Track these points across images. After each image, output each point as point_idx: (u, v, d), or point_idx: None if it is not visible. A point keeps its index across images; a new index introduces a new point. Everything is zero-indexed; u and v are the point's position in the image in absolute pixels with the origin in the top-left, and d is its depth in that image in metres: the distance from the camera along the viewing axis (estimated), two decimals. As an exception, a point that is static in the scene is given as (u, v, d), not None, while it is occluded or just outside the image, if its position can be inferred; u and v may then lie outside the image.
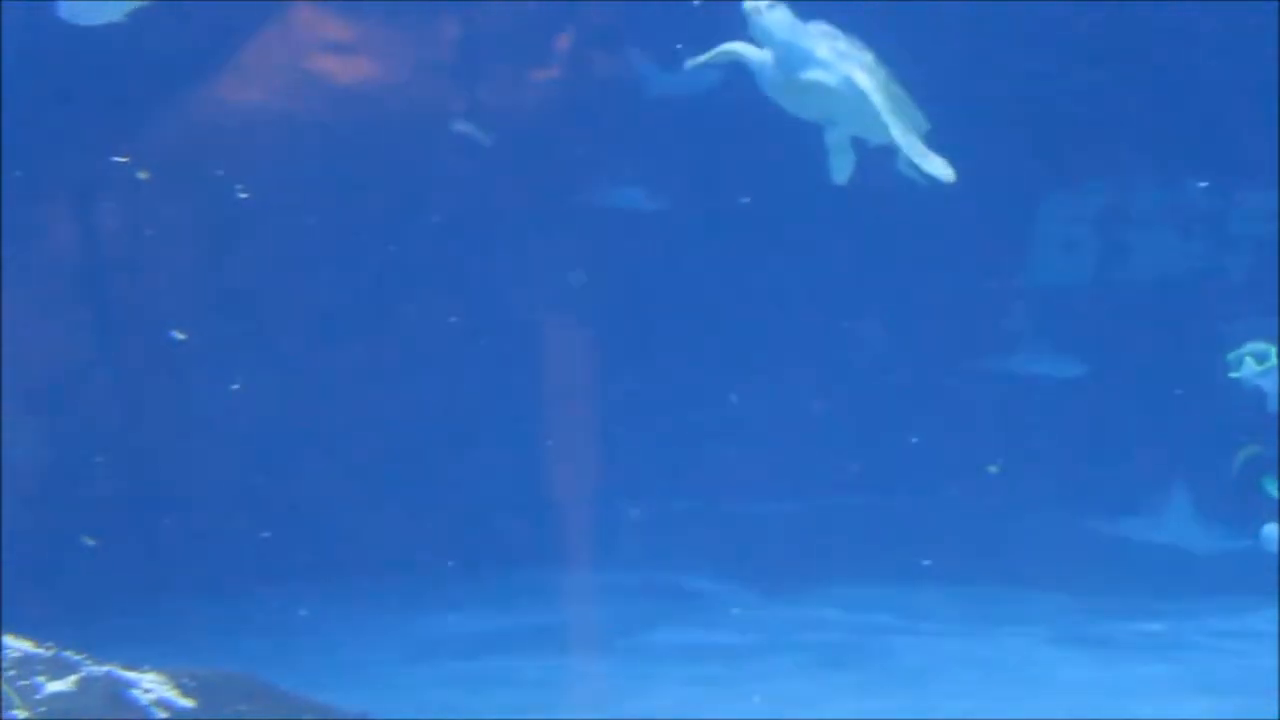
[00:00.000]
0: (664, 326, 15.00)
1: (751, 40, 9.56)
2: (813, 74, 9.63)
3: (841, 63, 9.70)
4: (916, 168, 9.96)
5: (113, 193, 14.11)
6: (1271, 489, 11.47)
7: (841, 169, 10.11)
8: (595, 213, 14.89)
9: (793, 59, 9.68)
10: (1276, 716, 11.29)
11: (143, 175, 13.44)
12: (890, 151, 9.80)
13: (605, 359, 14.69)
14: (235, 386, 13.71)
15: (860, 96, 9.70)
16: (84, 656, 7.21)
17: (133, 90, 13.78)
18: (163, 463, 13.99)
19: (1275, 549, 11.51)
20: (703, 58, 9.64)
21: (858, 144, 9.79)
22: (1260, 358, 11.37)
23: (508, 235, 14.83)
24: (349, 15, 14.48)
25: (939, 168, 9.79)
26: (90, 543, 12.77)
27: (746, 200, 14.40)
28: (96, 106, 13.56)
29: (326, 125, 14.38)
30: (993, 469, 14.16)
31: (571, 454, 14.51)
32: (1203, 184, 14.98)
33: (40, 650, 7.19)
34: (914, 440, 14.47)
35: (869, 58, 9.74)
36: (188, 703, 7.18)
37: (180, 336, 13.44)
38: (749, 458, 15.00)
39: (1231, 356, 11.42)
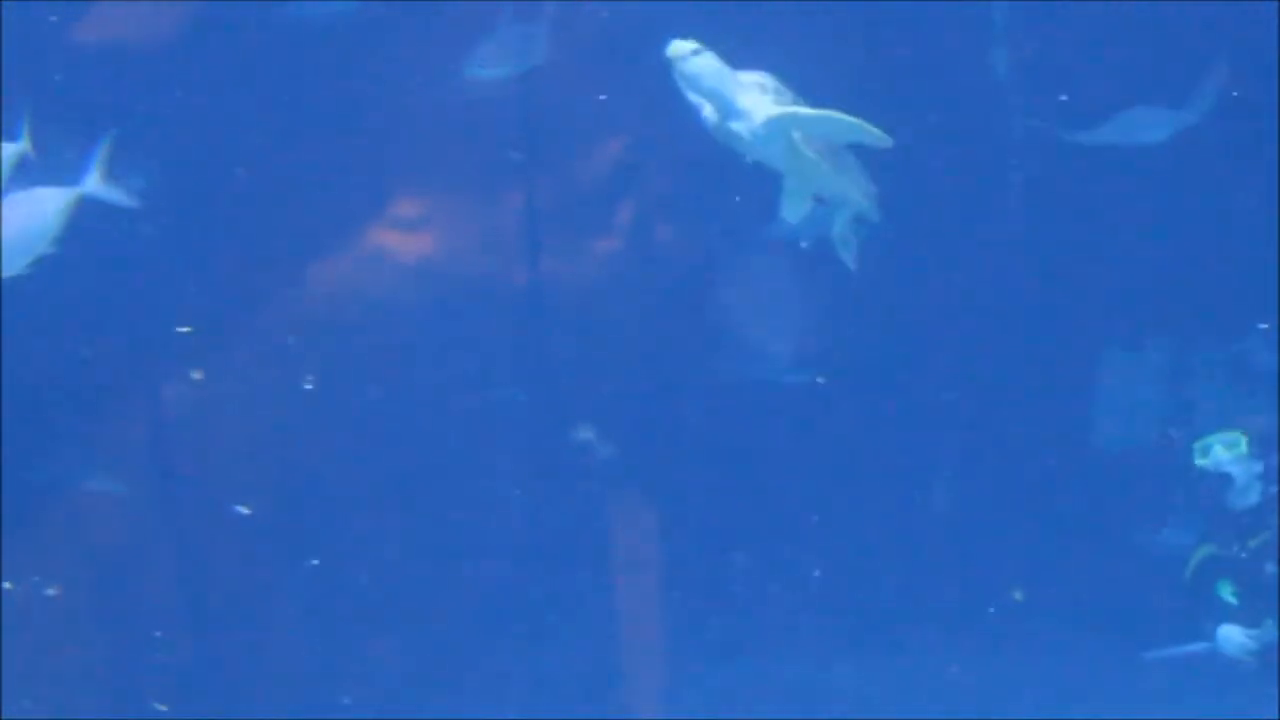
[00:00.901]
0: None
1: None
2: (735, 125, 9.43)
3: (760, 113, 9.44)
4: (848, 233, 9.95)
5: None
6: (1226, 594, 11.33)
7: (794, 210, 9.95)
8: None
9: (718, 107, 9.46)
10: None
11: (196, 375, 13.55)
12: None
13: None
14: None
15: (785, 149, 9.48)
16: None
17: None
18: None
19: (1232, 651, 11.35)
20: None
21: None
22: (1229, 445, 11.26)
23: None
24: (415, 192, 14.53)
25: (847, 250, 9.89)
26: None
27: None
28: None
29: (393, 301, 14.41)
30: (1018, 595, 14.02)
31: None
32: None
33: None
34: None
35: (805, 112, 9.50)
36: None
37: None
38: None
39: (1198, 444, 11.32)
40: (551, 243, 14.86)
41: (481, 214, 14.76)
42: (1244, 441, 11.25)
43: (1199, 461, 11.29)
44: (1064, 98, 13.75)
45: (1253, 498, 11.24)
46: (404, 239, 14.58)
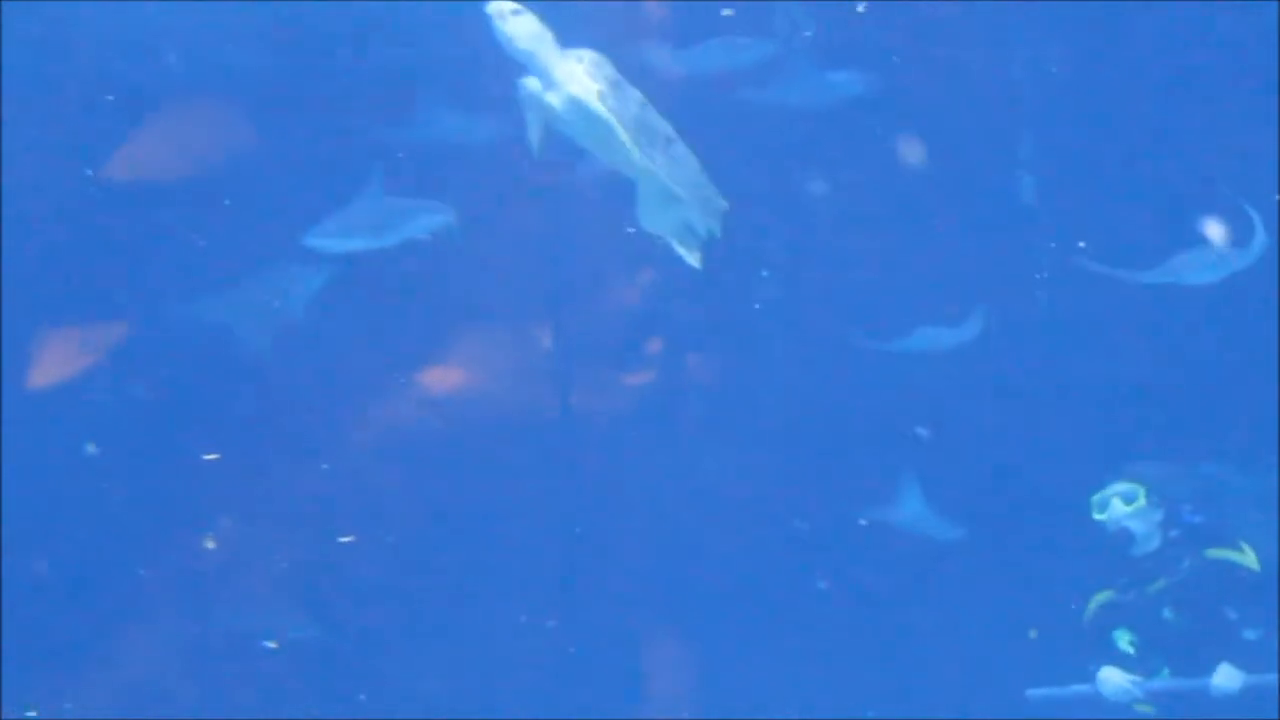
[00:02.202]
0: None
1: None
2: (549, 94, 9.18)
3: (574, 85, 9.16)
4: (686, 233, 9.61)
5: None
6: (1123, 642, 11.25)
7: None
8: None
9: (534, 73, 9.19)
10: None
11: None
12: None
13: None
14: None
15: (601, 127, 9.17)
16: None
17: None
18: None
19: (1111, 695, 11.24)
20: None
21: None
22: (1127, 499, 11.20)
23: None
24: (445, 325, 14.58)
25: (690, 256, 9.59)
26: None
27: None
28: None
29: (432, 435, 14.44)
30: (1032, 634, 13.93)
31: None
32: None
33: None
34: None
35: (635, 94, 9.26)
36: None
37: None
38: None
39: (1096, 498, 11.25)
40: (582, 375, 14.90)
41: (512, 347, 14.81)
42: (1142, 493, 11.19)
43: (1097, 516, 11.23)
44: (1082, 244, 13.73)
45: (1152, 545, 11.19)
46: (436, 373, 14.63)
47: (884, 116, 14.07)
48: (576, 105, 9.11)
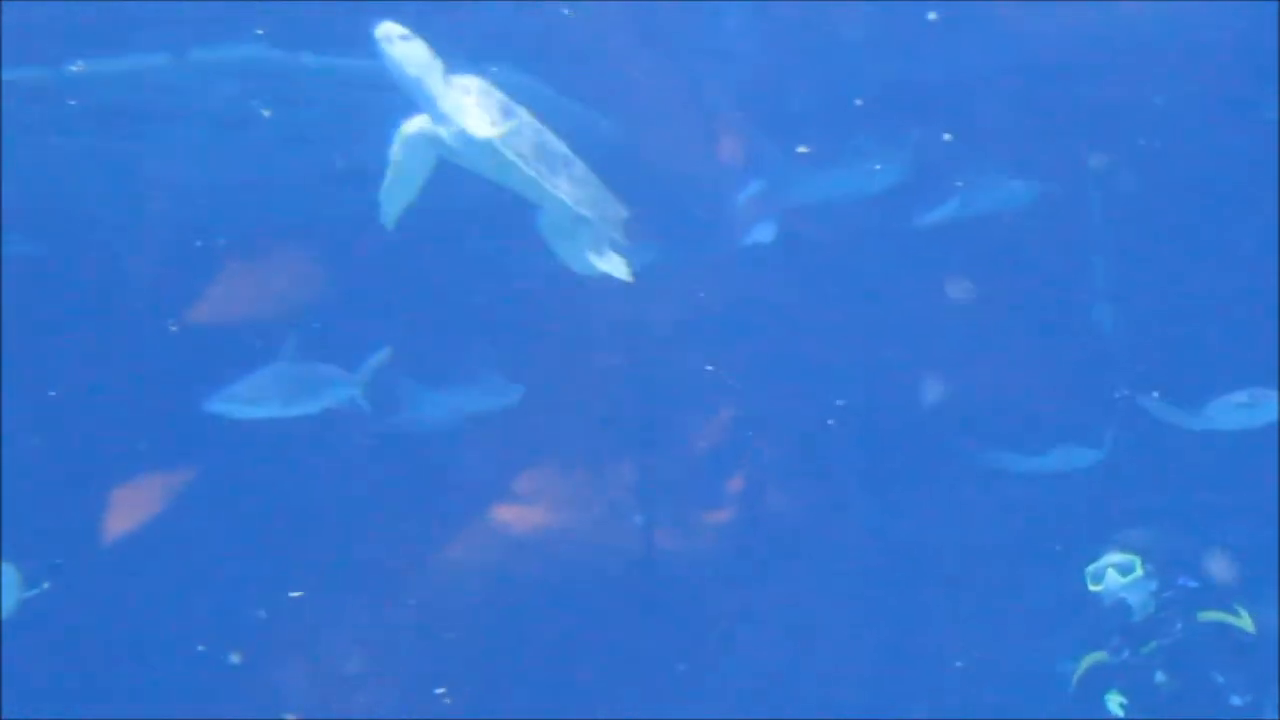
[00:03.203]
0: None
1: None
2: (441, 129, 8.80)
3: (470, 122, 8.73)
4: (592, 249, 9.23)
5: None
6: (1113, 704, 10.98)
7: (562, 249, 9.30)
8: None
9: (419, 101, 8.78)
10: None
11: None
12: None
13: None
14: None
15: (494, 155, 8.78)
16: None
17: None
18: None
19: None
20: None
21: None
22: (1123, 570, 10.99)
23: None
24: (529, 464, 14.66)
25: (616, 266, 9.23)
26: None
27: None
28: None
29: (506, 573, 14.48)
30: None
31: None
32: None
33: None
34: None
35: (527, 117, 8.88)
36: None
37: None
38: None
39: (1092, 569, 11.04)
40: (664, 514, 14.93)
41: (594, 486, 14.87)
42: (1139, 563, 11.05)
43: (1092, 587, 11.10)
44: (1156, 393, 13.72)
45: (1147, 610, 11.03)
46: (519, 512, 14.69)
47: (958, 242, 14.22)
48: (474, 142, 8.79)
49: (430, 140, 8.88)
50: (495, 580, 14.56)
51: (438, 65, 8.74)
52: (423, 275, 14.08)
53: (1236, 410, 12.98)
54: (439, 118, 8.80)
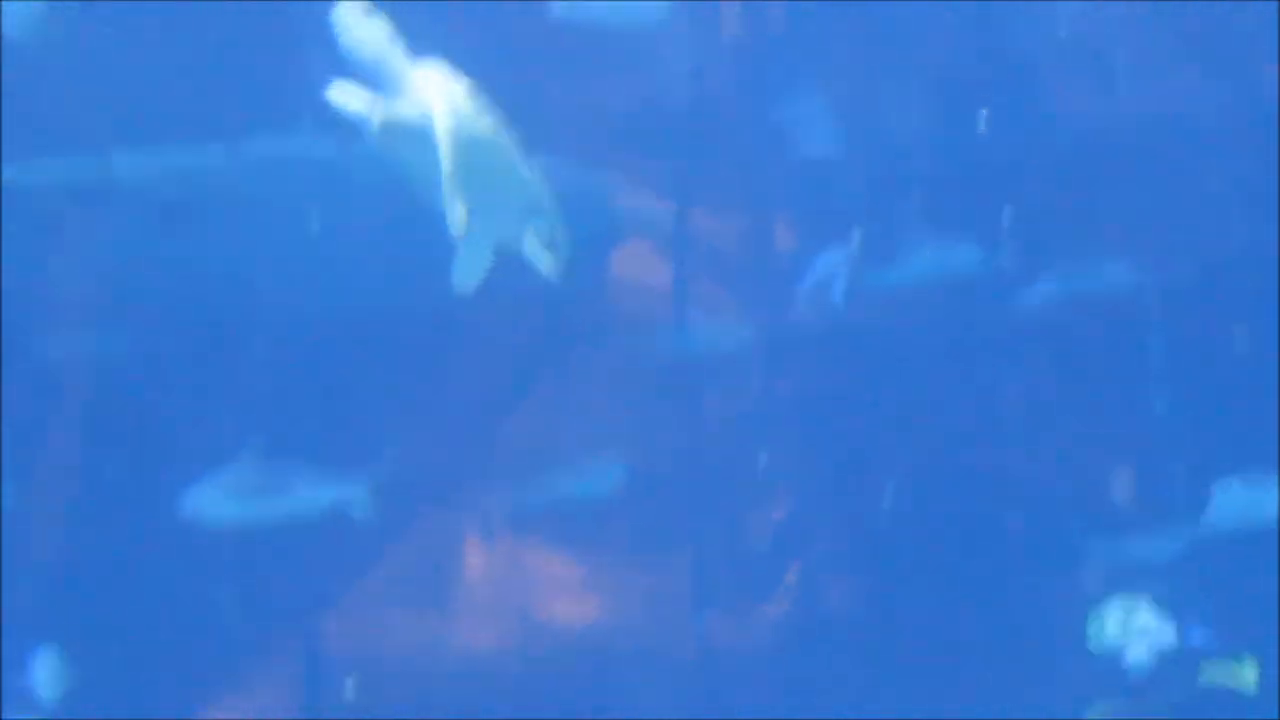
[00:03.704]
0: None
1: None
2: (393, 106, 8.55)
3: (423, 100, 8.51)
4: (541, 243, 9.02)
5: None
6: None
7: (471, 270, 9.14)
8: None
9: (377, 82, 8.54)
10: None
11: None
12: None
13: None
14: None
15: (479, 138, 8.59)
16: None
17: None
18: None
19: None
20: None
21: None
22: (1129, 619, 10.84)
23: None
24: (578, 554, 14.54)
25: (546, 264, 9.03)
26: None
27: None
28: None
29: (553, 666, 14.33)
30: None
31: None
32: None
33: None
34: None
35: (485, 119, 8.64)
36: None
37: None
38: None
39: (1093, 625, 10.80)
40: (718, 606, 14.78)
41: (645, 578, 14.75)
42: (1144, 614, 10.91)
43: (1095, 639, 10.97)
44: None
45: (1151, 664, 10.90)
46: (569, 604, 14.56)
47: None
48: (449, 117, 8.56)
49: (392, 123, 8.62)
50: (541, 674, 14.42)
51: (397, 47, 8.55)
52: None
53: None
54: (399, 96, 8.59)
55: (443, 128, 8.49)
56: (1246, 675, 10.74)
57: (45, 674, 11.62)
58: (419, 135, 8.59)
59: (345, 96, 8.57)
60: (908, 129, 13.45)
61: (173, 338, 13.42)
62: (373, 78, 8.51)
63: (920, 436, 14.49)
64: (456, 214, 8.66)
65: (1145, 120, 13.48)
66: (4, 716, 6.43)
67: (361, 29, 8.42)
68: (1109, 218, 13.77)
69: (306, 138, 11.62)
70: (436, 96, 8.57)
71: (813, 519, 14.75)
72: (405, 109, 8.56)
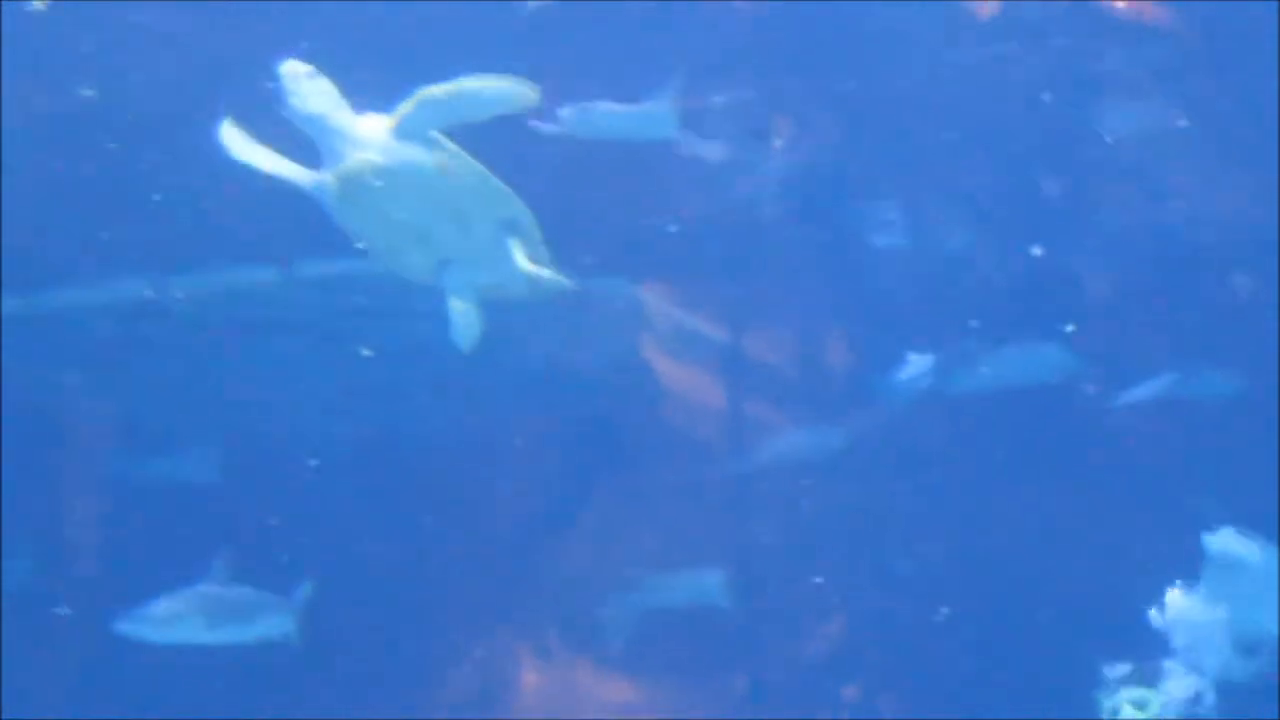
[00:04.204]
0: None
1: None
2: (358, 159, 8.25)
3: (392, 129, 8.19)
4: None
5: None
6: None
7: (468, 326, 8.81)
8: None
9: (327, 142, 8.27)
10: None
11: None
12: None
13: None
14: None
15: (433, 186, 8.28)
16: None
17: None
18: None
19: None
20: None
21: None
22: (1139, 705, 10.68)
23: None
24: (632, 672, 14.48)
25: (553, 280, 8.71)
26: None
27: None
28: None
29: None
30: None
31: None
32: None
33: None
34: None
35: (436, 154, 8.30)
36: None
37: None
38: None
39: (1107, 704, 10.72)
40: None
41: (700, 694, 14.68)
42: (1154, 700, 10.82)
43: None
44: None
45: None
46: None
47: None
48: (399, 172, 8.33)
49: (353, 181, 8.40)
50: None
51: (343, 104, 8.36)
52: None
53: None
54: (351, 145, 8.34)
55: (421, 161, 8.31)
56: None
57: None
58: (375, 189, 8.39)
59: (289, 172, 8.52)
60: (991, 228, 13.44)
61: (239, 455, 13.51)
62: (319, 138, 8.34)
63: (1006, 543, 14.43)
64: (419, 264, 8.65)
65: (1241, 222, 13.44)
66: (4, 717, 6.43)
67: (305, 86, 8.27)
68: (1199, 322, 13.72)
69: (356, 260, 11.70)
70: (385, 146, 8.34)
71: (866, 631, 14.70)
72: (356, 166, 8.33)
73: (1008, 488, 14.17)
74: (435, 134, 8.33)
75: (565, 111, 11.02)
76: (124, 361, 12.58)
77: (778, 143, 12.80)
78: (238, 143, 8.52)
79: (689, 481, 14.02)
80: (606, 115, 11.14)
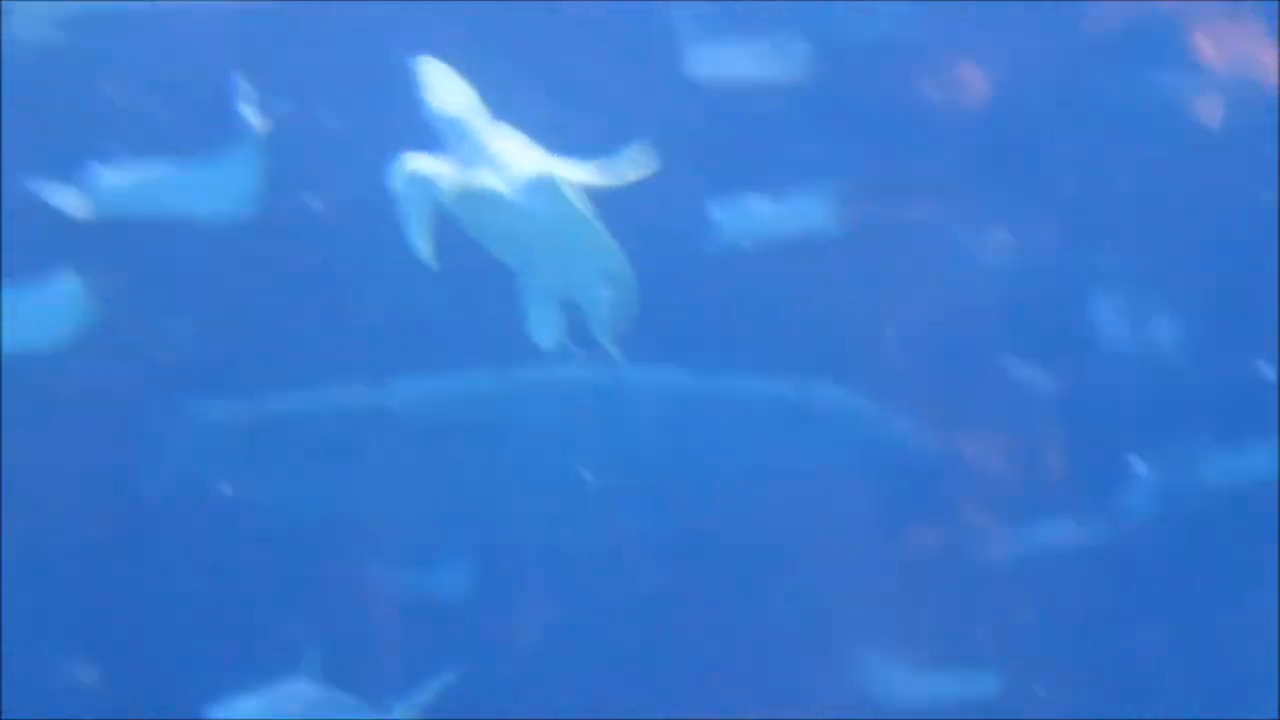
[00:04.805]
0: None
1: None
2: (485, 176, 8.25)
3: (524, 166, 8.21)
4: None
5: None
6: None
7: (545, 326, 8.78)
8: None
9: (459, 144, 8.27)
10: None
11: None
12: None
13: None
14: None
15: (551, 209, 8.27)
16: None
17: None
18: None
19: None
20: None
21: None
22: None
23: None
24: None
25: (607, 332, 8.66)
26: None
27: None
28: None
29: None
30: None
31: None
32: None
33: None
34: None
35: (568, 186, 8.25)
36: None
37: None
38: None
39: None
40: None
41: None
42: None
43: None
44: None
45: None
46: None
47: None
48: (526, 187, 8.31)
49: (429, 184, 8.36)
50: None
51: (482, 112, 8.36)
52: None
53: None
54: (481, 160, 8.33)
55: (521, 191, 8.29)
56: None
57: None
58: (495, 201, 8.36)
59: (419, 163, 8.40)
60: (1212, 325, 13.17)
61: (492, 565, 13.53)
62: (453, 141, 8.30)
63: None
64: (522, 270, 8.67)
65: None
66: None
67: (446, 91, 8.25)
68: None
69: (576, 366, 11.74)
70: (519, 164, 8.35)
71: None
72: (483, 176, 8.30)
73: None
74: (562, 182, 8.38)
75: (718, 212, 10.99)
76: (351, 466, 12.72)
77: (991, 238, 12.65)
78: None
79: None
80: (762, 213, 11.11)
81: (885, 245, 12.38)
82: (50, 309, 10.99)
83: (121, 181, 10.78)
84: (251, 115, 10.38)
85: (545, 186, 8.24)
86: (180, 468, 12.55)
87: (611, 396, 12.01)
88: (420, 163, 8.35)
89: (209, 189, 10.77)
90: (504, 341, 11.73)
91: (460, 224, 8.59)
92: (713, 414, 11.00)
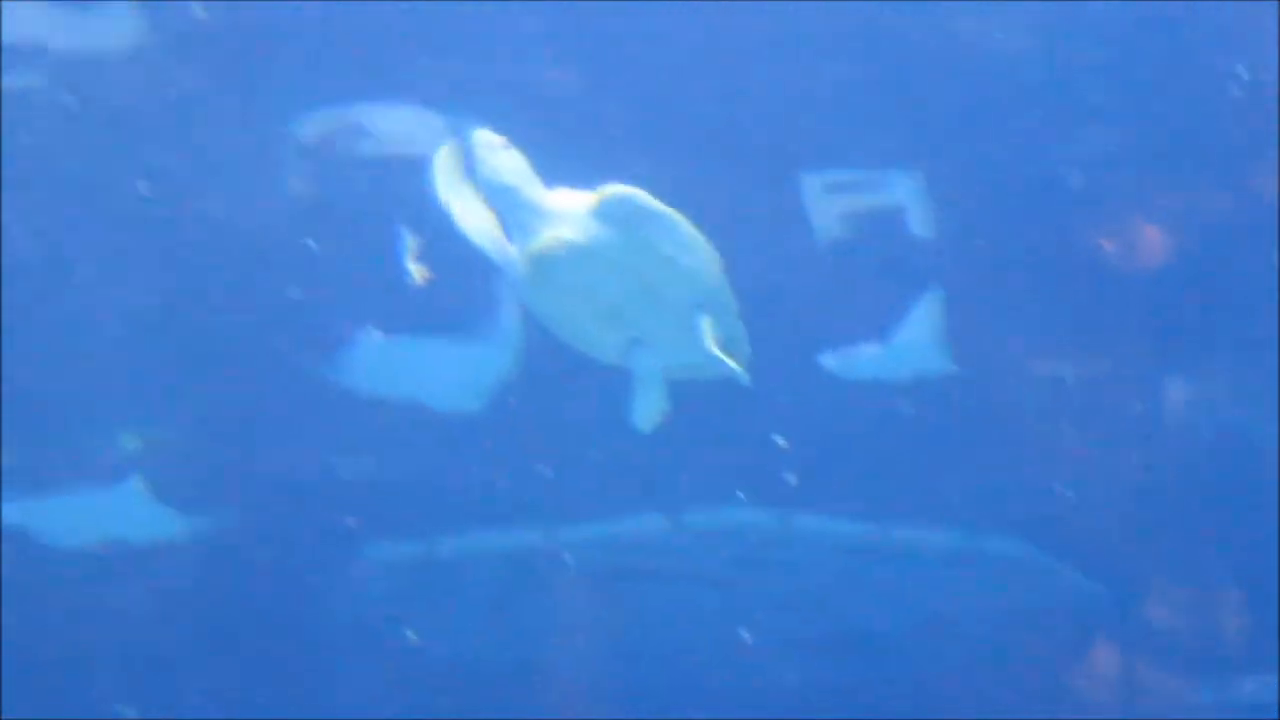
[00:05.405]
0: None
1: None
2: (552, 236, 7.86)
3: (586, 200, 7.82)
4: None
5: None
6: None
7: (648, 407, 8.26)
8: None
9: (517, 217, 7.91)
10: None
11: None
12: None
13: None
14: None
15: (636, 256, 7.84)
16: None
17: None
18: None
19: None
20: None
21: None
22: None
23: None
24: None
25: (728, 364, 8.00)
26: None
27: None
28: None
29: None
30: None
31: None
32: None
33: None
34: None
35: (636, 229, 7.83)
36: None
37: None
38: None
39: None
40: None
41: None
42: None
43: None
44: None
45: None
46: None
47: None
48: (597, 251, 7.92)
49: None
50: None
51: (535, 178, 7.98)
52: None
53: None
54: (540, 220, 7.96)
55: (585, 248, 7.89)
56: None
57: None
58: (571, 254, 7.97)
59: (483, 241, 8.08)
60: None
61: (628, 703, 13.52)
62: (507, 214, 8.02)
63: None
64: (608, 344, 8.12)
65: None
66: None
67: (499, 162, 7.97)
68: None
69: (743, 510, 11.77)
70: (579, 201, 7.95)
71: None
72: (550, 244, 7.94)
73: None
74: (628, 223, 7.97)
75: (828, 358, 10.97)
76: (517, 607, 12.81)
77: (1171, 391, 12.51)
78: (448, 182, 8.18)
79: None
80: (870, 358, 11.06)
81: (1063, 397, 12.33)
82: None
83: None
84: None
85: (617, 204, 7.87)
86: (354, 608, 12.73)
87: (781, 543, 12.03)
88: (484, 242, 8.09)
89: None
90: (675, 486, 11.87)
91: (546, 322, 8.22)
92: (884, 563, 10.91)
